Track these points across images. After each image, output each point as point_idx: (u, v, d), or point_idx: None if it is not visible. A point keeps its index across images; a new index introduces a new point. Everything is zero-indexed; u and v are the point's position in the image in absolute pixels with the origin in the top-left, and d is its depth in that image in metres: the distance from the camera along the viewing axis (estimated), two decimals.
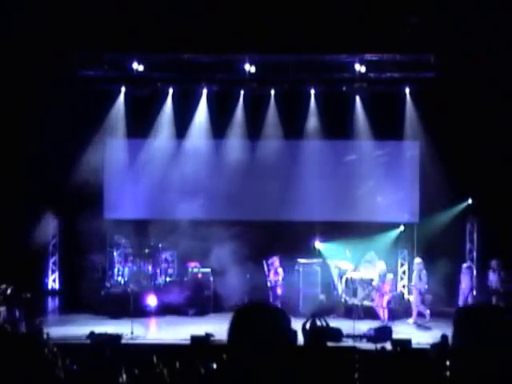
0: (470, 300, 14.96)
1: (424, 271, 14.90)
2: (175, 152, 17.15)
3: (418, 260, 15.28)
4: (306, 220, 16.91)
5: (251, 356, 2.57)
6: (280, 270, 15.53)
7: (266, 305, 2.86)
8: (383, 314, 14.78)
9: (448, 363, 9.10)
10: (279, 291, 15.41)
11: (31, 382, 7.05)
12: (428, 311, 14.84)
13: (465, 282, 15.33)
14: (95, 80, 16.28)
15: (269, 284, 15.39)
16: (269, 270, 15.48)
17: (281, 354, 2.60)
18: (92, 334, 12.28)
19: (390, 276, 15.17)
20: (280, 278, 15.46)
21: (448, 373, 8.38)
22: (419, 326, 14.61)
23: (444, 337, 11.29)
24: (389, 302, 14.97)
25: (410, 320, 14.99)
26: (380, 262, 15.59)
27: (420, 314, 14.94)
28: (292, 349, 2.72)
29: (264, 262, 15.58)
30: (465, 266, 15.54)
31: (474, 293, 15.27)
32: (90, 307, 15.35)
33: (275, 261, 15.54)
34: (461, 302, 15.10)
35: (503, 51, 14.59)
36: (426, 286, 14.94)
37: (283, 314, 2.73)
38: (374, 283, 15.36)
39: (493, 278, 15.33)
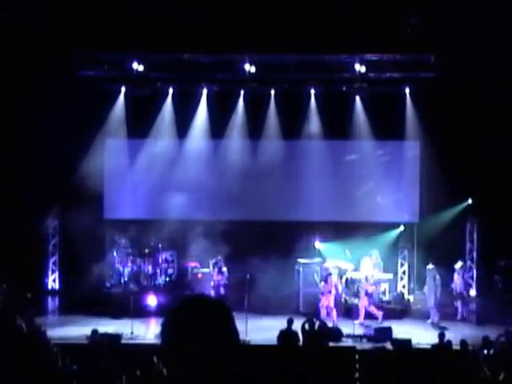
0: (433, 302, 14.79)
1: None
2: (175, 152, 17.15)
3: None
4: (306, 220, 16.91)
5: (190, 363, 2.28)
6: (224, 270, 15.49)
7: (204, 300, 2.39)
8: (330, 314, 14.49)
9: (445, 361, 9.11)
10: (222, 291, 15.31)
11: (32, 380, 7.06)
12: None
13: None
14: (95, 80, 16.28)
15: (212, 284, 15.35)
16: (213, 270, 15.47)
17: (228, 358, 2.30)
18: (94, 331, 12.28)
19: (334, 278, 14.93)
20: (224, 278, 15.41)
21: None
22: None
23: (441, 335, 11.32)
24: (335, 303, 14.69)
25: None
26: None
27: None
28: (240, 349, 2.46)
29: (210, 261, 15.58)
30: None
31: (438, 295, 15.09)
32: (89, 307, 15.35)
33: (219, 260, 15.52)
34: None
35: (503, 51, 14.59)
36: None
37: (224, 309, 2.37)
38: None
39: (457, 281, 15.23)
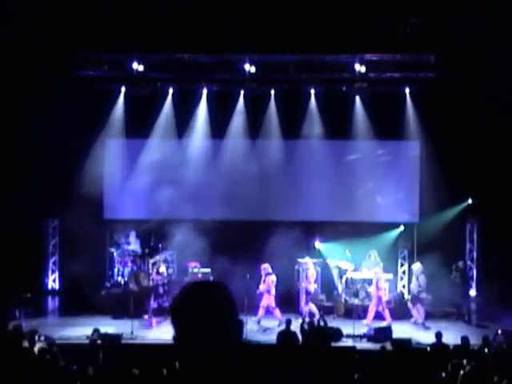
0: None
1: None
2: (175, 152, 17.15)
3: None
4: (306, 220, 16.91)
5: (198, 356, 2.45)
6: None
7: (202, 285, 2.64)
8: (273, 313, 14.51)
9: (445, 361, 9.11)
10: None
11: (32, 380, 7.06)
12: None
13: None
14: (95, 80, 16.28)
15: None
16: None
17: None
18: (96, 330, 12.30)
19: (272, 278, 14.83)
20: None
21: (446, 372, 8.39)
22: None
23: (438, 334, 11.32)
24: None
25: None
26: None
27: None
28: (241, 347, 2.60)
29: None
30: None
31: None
32: (89, 307, 15.35)
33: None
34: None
35: (503, 51, 14.59)
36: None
37: (221, 288, 2.58)
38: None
39: (413, 283, 15.14)
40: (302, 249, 16.38)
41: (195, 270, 15.99)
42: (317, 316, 14.09)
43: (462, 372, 8.27)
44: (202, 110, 17.29)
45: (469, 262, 17.02)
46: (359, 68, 16.14)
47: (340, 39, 15.15)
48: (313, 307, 14.65)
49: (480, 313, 15.89)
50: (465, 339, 10.77)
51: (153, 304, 14.91)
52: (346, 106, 17.02)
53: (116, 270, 16.72)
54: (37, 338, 10.86)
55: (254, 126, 17.11)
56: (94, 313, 15.20)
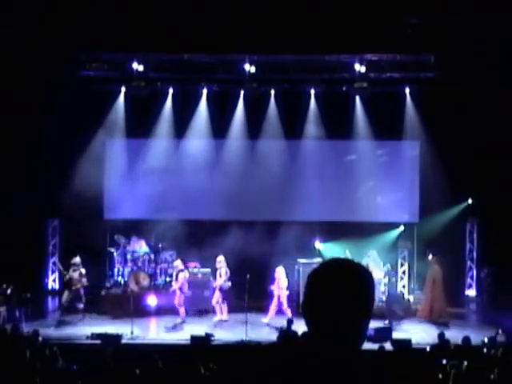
0: None
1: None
2: (175, 152, 17.15)
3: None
4: (306, 220, 16.90)
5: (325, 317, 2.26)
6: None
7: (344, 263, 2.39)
8: (179, 311, 14.40)
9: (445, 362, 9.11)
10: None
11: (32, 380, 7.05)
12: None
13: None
14: (95, 80, 16.28)
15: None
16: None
17: None
18: (93, 335, 12.34)
19: (185, 274, 14.75)
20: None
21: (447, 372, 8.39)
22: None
23: (441, 335, 11.33)
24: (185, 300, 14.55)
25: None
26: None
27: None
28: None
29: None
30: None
31: None
32: (89, 307, 15.35)
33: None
34: None
35: (503, 51, 14.59)
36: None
37: (363, 272, 2.36)
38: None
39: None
40: (302, 249, 16.38)
41: (195, 270, 15.97)
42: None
43: (462, 372, 8.27)
44: (202, 110, 17.28)
45: (469, 262, 17.02)
46: (359, 68, 16.14)
47: (340, 39, 15.15)
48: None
49: (480, 313, 15.91)
50: (466, 339, 10.77)
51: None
52: (346, 106, 17.01)
53: (116, 269, 16.71)
54: (38, 338, 10.86)
55: (254, 126, 17.11)
56: (94, 313, 15.21)
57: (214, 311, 14.74)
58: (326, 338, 2.27)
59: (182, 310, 14.40)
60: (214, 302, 14.74)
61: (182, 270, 14.69)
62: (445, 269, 15.19)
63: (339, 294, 2.28)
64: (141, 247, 16.59)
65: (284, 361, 2.29)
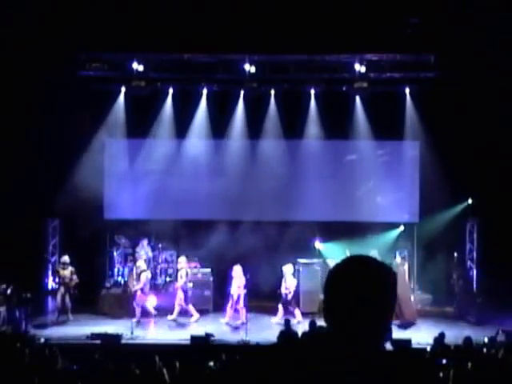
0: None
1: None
2: (175, 152, 17.15)
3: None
4: (306, 220, 16.90)
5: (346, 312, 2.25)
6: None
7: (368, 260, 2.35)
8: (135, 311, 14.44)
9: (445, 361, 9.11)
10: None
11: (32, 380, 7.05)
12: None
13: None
14: (95, 80, 16.28)
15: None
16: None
17: None
18: (93, 335, 12.34)
19: (147, 274, 14.82)
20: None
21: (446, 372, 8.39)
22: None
23: (441, 335, 11.33)
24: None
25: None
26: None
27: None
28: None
29: None
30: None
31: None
32: (89, 307, 15.37)
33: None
34: None
35: (503, 51, 14.59)
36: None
37: (388, 271, 2.32)
38: None
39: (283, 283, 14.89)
40: (302, 249, 16.39)
41: (195, 271, 15.98)
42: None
43: (462, 372, 8.27)
44: (202, 110, 17.28)
45: (469, 262, 17.01)
46: (359, 68, 16.13)
47: (340, 39, 15.15)
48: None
49: (480, 313, 15.89)
50: (467, 339, 10.77)
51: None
52: (346, 106, 17.01)
53: (116, 270, 16.72)
54: (38, 338, 10.87)
55: (254, 126, 17.10)
56: (94, 313, 15.22)
57: (181, 311, 14.78)
58: (351, 339, 2.25)
59: (137, 311, 14.39)
60: (176, 303, 14.76)
61: (144, 271, 14.74)
62: (445, 268, 15.23)
63: (366, 294, 2.25)
64: (143, 247, 16.59)
65: (309, 361, 2.26)
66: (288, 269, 14.67)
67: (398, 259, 15.52)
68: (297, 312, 14.72)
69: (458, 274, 15.82)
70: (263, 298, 15.52)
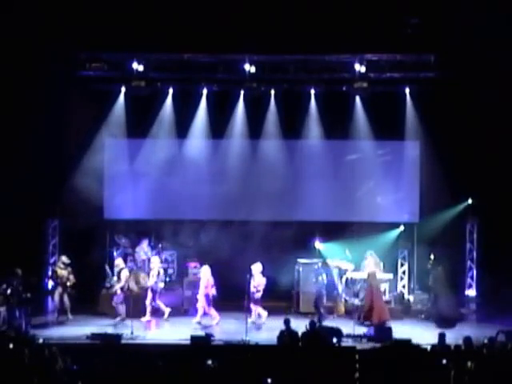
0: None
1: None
2: (175, 152, 17.14)
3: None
4: (306, 220, 16.90)
5: None
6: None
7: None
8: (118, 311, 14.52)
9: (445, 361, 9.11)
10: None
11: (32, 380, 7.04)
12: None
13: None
14: (95, 80, 16.28)
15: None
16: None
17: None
18: (93, 335, 12.31)
19: (126, 272, 14.77)
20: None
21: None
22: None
23: (442, 335, 11.31)
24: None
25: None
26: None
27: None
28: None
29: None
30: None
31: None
32: (89, 307, 15.37)
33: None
34: None
35: (503, 51, 14.59)
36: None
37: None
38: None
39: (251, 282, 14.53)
40: (302, 249, 16.39)
41: (195, 271, 15.97)
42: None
43: (462, 372, 8.27)
44: (202, 110, 17.27)
45: (469, 262, 17.02)
46: (359, 68, 16.13)
47: (340, 39, 15.15)
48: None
49: (480, 313, 15.91)
50: (467, 339, 10.75)
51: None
52: (346, 106, 17.00)
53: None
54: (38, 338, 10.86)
55: (254, 126, 17.10)
56: (94, 313, 15.22)
57: (149, 312, 14.80)
58: None
59: (122, 309, 14.44)
60: (147, 302, 14.79)
61: (122, 269, 14.81)
62: (445, 269, 15.21)
63: None
64: (143, 248, 16.59)
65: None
66: (256, 267, 14.59)
67: (370, 258, 15.50)
68: (261, 312, 14.63)
69: (435, 276, 15.58)
70: (264, 298, 15.48)
